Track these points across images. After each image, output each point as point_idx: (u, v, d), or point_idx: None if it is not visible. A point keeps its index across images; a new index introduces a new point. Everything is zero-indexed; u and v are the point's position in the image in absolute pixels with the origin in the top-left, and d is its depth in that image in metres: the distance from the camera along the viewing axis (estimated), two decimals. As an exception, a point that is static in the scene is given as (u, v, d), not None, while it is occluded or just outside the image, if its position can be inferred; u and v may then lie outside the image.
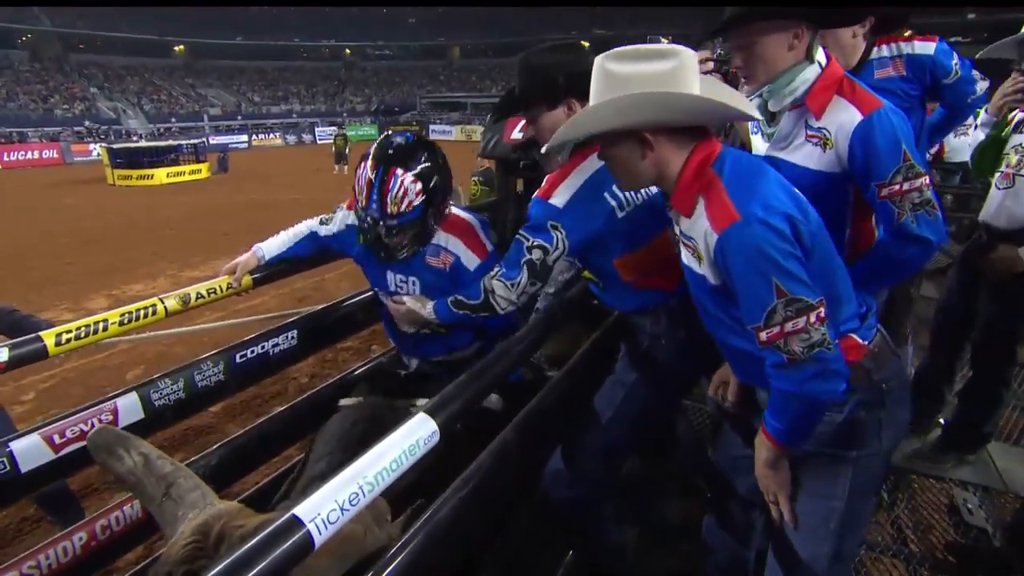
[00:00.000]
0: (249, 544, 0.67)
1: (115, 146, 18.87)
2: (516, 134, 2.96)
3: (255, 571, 0.65)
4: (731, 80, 2.48)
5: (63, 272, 7.55)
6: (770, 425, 1.13)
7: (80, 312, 6.14)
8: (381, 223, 1.60)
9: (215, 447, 1.74)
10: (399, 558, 0.92)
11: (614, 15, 40.26)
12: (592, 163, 1.47)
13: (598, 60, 1.15)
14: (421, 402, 1.47)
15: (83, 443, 1.38)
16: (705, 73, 2.56)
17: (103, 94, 34.03)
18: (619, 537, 1.89)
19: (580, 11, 41.23)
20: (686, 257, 1.21)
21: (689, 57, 1.10)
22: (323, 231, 1.90)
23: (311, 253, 1.94)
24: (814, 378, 1.03)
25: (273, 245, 1.92)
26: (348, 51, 46.09)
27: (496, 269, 1.53)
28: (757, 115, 1.29)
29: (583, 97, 1.46)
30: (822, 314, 1.01)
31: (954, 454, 2.47)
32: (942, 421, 2.61)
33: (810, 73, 1.34)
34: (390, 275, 1.80)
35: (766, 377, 1.10)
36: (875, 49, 2.04)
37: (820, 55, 1.36)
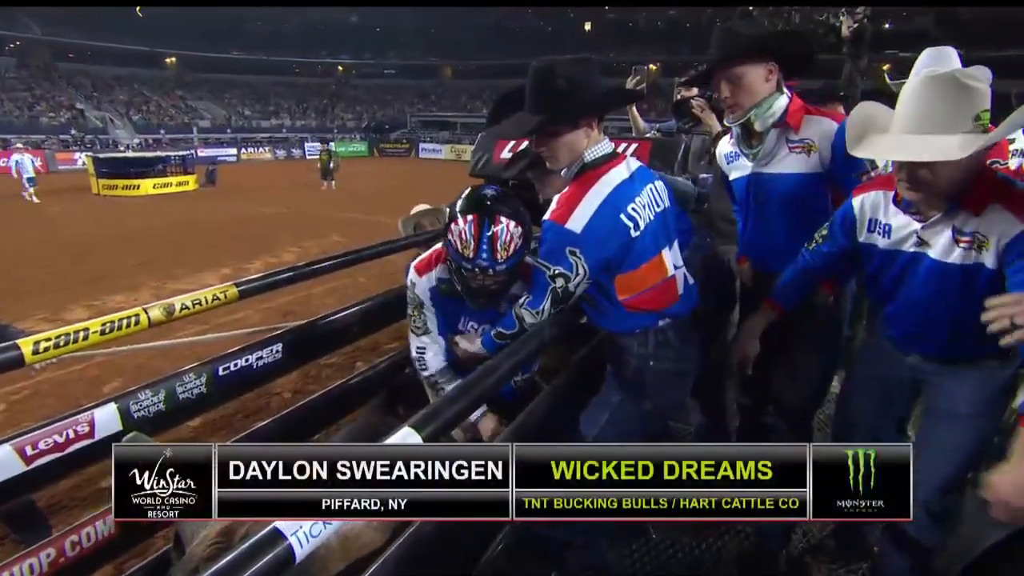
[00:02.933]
0: (231, 555, 0.67)
1: (101, 155, 18.65)
2: (506, 154, 2.99)
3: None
4: (714, 105, 2.58)
5: (43, 282, 7.41)
6: None
7: (58, 323, 6.01)
8: (490, 271, 1.59)
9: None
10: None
11: (605, 39, 41.18)
12: (605, 184, 1.47)
13: (946, 78, 1.27)
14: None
15: (58, 455, 1.35)
16: (691, 98, 2.64)
17: (91, 104, 33.78)
18: (604, 557, 1.87)
19: (571, 35, 42.13)
20: (950, 253, 1.36)
21: None
22: (430, 338, 1.80)
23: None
24: None
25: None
26: (340, 68, 46.41)
27: (524, 298, 1.56)
28: None
29: (600, 118, 1.54)
30: None
31: None
32: None
33: (783, 100, 1.73)
34: (463, 319, 1.79)
35: (959, 347, 1.42)
36: None
37: (784, 89, 1.75)
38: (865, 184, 1.59)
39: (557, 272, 1.44)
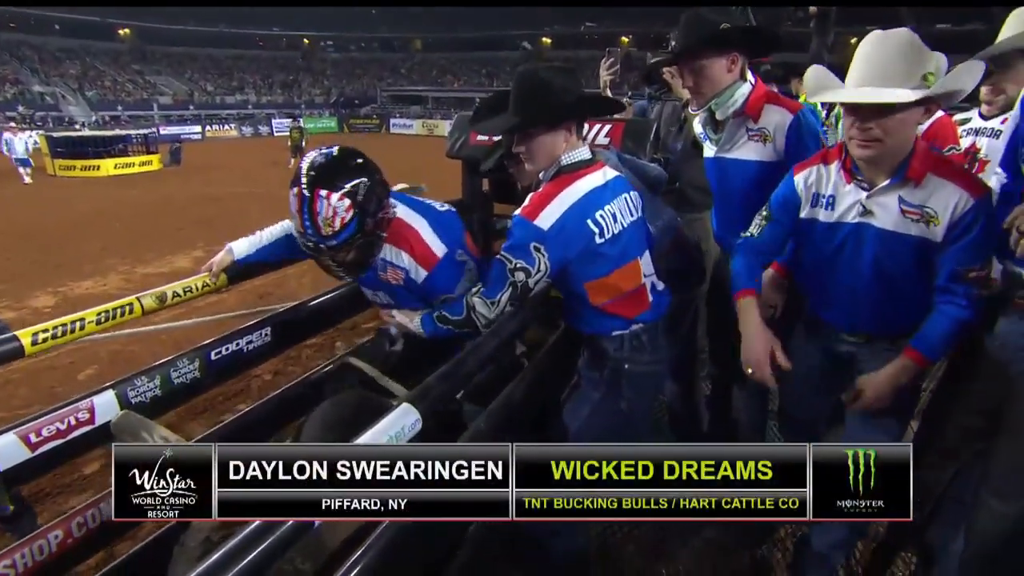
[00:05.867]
0: (255, 524, 0.74)
1: (56, 134, 17.88)
2: (482, 136, 3.02)
3: (264, 546, 0.72)
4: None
5: (1, 267, 7.17)
6: (932, 351, 1.43)
7: (23, 311, 5.85)
8: (322, 246, 1.57)
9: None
10: (360, 564, 0.97)
11: (576, 12, 40.62)
12: (578, 188, 1.53)
13: (900, 35, 1.35)
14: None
15: (60, 441, 1.40)
16: (662, 63, 2.67)
17: (38, 78, 32.05)
18: (582, 541, 1.88)
19: (541, 8, 41.39)
20: (896, 223, 1.42)
21: None
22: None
23: (287, 256, 1.91)
24: (981, 309, 1.39)
25: (245, 244, 1.89)
26: (306, 41, 44.85)
27: (477, 287, 1.57)
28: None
29: (578, 125, 1.60)
30: None
31: None
32: None
33: (745, 89, 1.77)
34: (364, 288, 1.82)
35: (890, 323, 1.50)
36: None
37: (749, 76, 1.78)
38: (802, 163, 1.61)
39: (519, 266, 1.48)
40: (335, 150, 1.62)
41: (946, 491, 1.60)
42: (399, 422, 1.01)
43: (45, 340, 1.35)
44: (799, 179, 1.58)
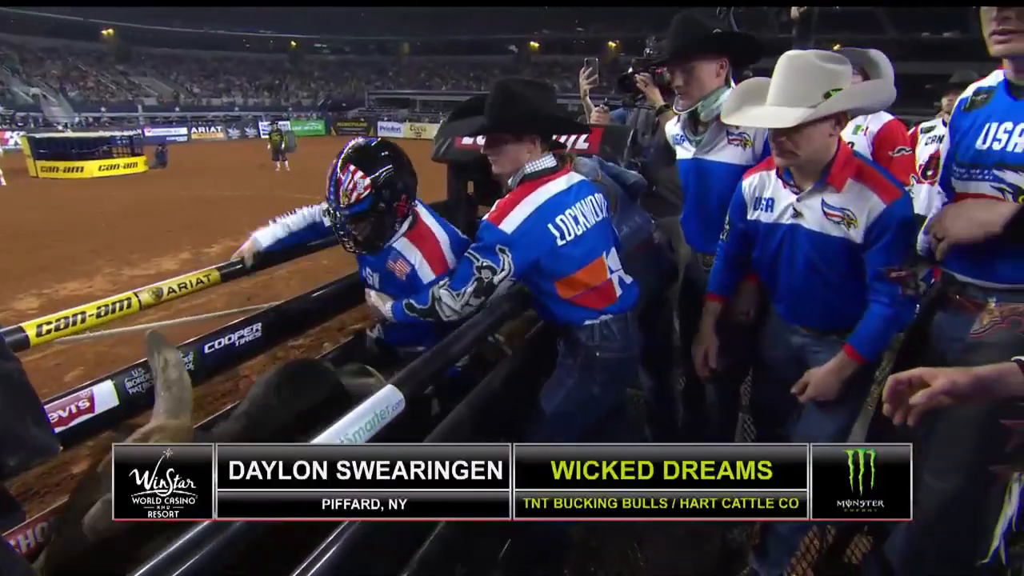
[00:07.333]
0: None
1: (38, 135, 17.70)
2: (466, 139, 3.12)
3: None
4: (658, 80, 2.75)
5: (-15, 270, 7.12)
6: (864, 347, 1.54)
7: (6, 312, 5.83)
8: (336, 212, 1.80)
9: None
10: (347, 532, 1.03)
11: (564, 16, 40.91)
12: (541, 194, 1.65)
13: (805, 57, 1.47)
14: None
15: (62, 428, 1.46)
16: (636, 72, 2.78)
17: (19, 78, 31.58)
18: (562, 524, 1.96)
19: (530, 11, 41.60)
20: (821, 224, 1.54)
21: None
22: (328, 221, 2.03)
23: (309, 239, 2.15)
24: (910, 307, 1.50)
25: (269, 233, 2.09)
26: (294, 43, 44.63)
27: (445, 280, 1.71)
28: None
29: (543, 137, 1.71)
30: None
31: None
32: None
33: (729, 93, 1.77)
34: (364, 266, 1.99)
35: (835, 317, 1.59)
36: None
37: (732, 82, 1.85)
38: (751, 168, 1.73)
39: (485, 264, 1.61)
40: (375, 140, 1.87)
41: None
42: (384, 402, 1.10)
43: (48, 332, 1.41)
44: (746, 184, 1.72)
